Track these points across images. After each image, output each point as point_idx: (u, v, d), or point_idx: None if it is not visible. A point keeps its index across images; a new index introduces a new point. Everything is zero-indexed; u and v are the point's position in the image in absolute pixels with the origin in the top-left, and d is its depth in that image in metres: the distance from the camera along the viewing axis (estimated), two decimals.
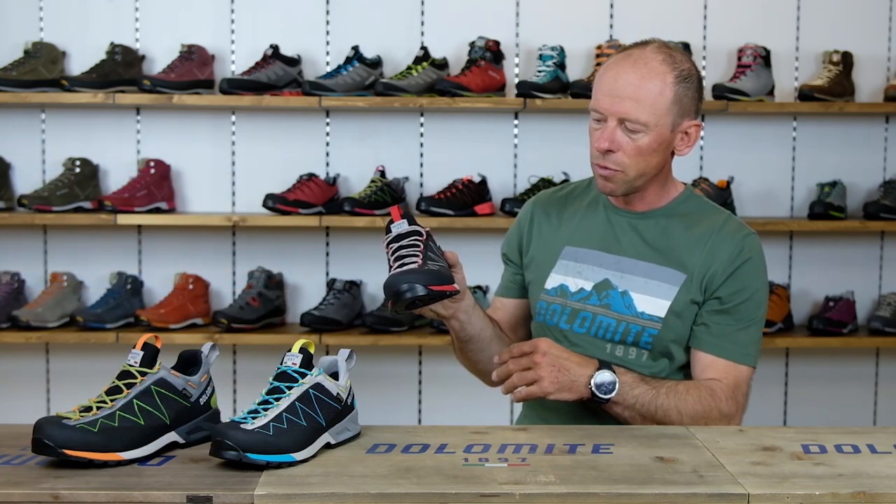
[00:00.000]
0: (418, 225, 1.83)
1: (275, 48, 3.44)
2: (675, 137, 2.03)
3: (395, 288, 1.74)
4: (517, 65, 3.61)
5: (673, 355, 2.05)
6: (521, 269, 2.21)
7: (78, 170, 3.46)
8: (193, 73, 3.42)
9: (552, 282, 2.12)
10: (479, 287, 3.50)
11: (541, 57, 3.46)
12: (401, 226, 1.81)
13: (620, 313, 2.05)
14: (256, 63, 3.43)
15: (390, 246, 1.80)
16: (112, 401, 1.59)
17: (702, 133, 2.12)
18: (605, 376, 1.92)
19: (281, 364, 1.66)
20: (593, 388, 1.92)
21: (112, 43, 3.45)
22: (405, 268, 1.76)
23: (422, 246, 1.79)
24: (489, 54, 3.46)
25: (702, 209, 2.11)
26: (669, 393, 1.96)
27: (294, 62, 3.46)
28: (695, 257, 2.04)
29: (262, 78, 3.38)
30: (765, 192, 3.67)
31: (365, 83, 3.42)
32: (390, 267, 1.79)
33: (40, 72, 3.39)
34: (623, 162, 1.99)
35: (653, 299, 2.03)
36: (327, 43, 3.61)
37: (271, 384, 1.64)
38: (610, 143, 1.98)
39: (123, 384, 1.61)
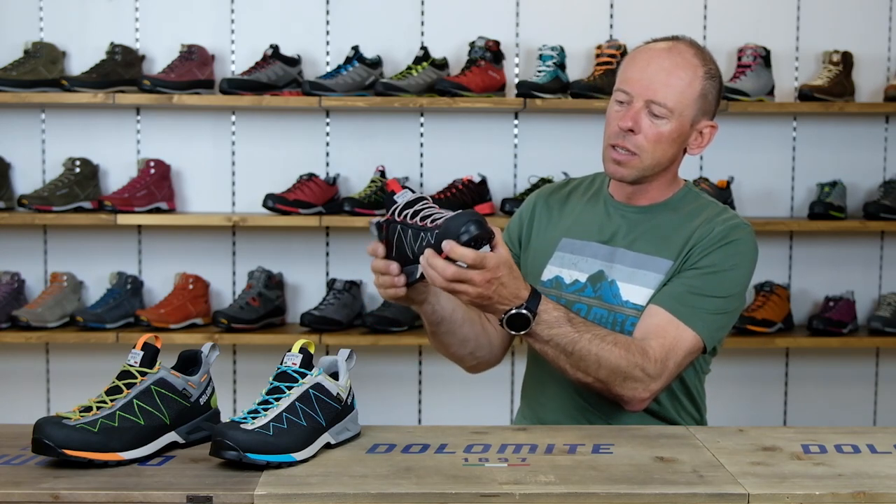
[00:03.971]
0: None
1: (275, 48, 3.44)
2: (691, 134, 2.05)
3: (460, 227, 1.65)
4: (517, 65, 3.61)
5: None
6: (517, 257, 2.21)
7: (78, 170, 3.46)
8: (193, 73, 3.42)
9: (548, 273, 2.12)
10: None
11: (541, 57, 3.46)
12: (405, 195, 1.75)
13: (610, 304, 2.05)
14: (256, 63, 3.43)
15: (404, 213, 1.73)
16: (112, 401, 1.59)
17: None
18: (520, 316, 1.82)
19: (281, 364, 1.66)
20: (504, 322, 1.83)
21: (112, 43, 3.45)
22: (449, 214, 1.68)
23: (437, 206, 1.74)
24: (489, 54, 3.46)
25: (700, 203, 2.12)
26: (594, 340, 1.88)
27: (294, 62, 3.46)
28: (684, 240, 2.04)
29: (262, 78, 3.38)
30: (765, 192, 3.67)
31: (365, 83, 3.42)
32: (407, 227, 1.72)
33: (40, 72, 3.39)
34: (642, 145, 2.00)
35: (637, 288, 2.03)
36: (327, 43, 3.60)
37: (271, 384, 1.64)
38: (633, 124, 1.99)
39: (123, 384, 1.61)
